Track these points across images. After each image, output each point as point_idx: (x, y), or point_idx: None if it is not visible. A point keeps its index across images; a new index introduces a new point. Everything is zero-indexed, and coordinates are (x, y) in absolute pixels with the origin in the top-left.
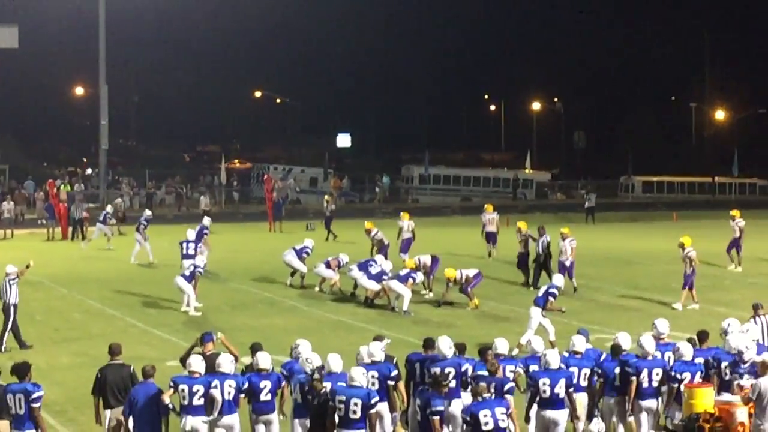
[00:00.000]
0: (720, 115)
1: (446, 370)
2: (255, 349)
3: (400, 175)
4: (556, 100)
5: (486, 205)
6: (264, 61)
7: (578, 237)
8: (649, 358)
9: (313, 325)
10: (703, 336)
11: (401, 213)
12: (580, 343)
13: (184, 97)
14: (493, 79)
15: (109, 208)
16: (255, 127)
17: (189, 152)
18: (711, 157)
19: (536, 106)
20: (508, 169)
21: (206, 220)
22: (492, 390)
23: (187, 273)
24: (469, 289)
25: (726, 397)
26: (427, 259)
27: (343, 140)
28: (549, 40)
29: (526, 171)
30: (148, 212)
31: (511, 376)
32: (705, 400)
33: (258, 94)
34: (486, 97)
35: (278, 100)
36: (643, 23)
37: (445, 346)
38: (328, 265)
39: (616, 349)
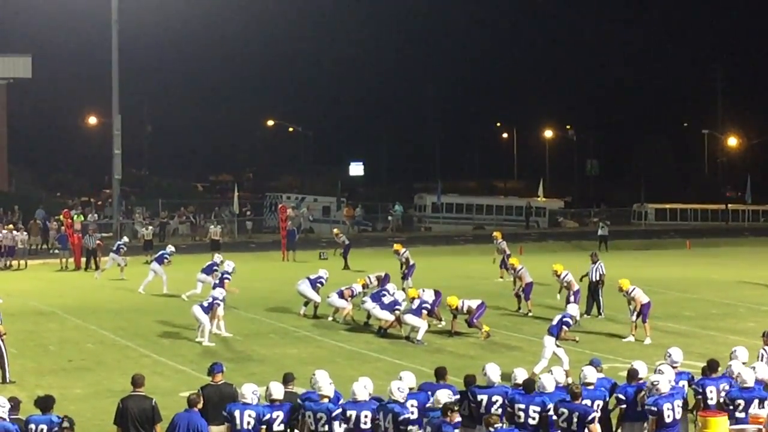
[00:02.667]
0: (733, 141)
1: (493, 398)
2: (286, 379)
3: (413, 203)
4: (568, 127)
5: (495, 233)
6: (276, 90)
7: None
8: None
9: (326, 355)
10: (713, 365)
11: (395, 245)
12: (591, 375)
13: (197, 127)
14: (506, 106)
15: (124, 239)
16: (268, 156)
17: (202, 182)
18: (724, 184)
19: (549, 133)
20: (521, 197)
21: (217, 258)
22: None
23: (206, 304)
24: (474, 321)
25: (741, 426)
26: (430, 294)
27: (356, 169)
28: (561, 68)
29: (539, 199)
30: (171, 247)
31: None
32: (720, 429)
33: (270, 123)
34: (498, 125)
35: (291, 129)
36: (655, 50)
37: (494, 373)
38: (341, 295)
39: (632, 374)
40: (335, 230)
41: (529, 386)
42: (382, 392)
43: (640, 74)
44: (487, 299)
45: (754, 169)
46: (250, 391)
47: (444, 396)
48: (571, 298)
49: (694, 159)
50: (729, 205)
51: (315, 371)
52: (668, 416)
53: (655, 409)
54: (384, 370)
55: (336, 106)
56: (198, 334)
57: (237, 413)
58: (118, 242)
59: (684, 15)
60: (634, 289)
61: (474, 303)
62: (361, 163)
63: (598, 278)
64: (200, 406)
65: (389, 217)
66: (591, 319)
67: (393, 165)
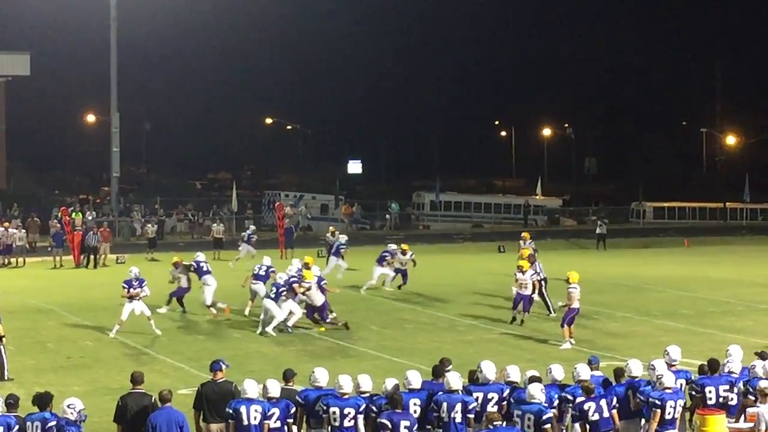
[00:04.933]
0: (731, 140)
1: (489, 396)
2: (286, 376)
3: (411, 201)
4: (566, 125)
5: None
6: (275, 88)
7: (590, 263)
8: (668, 387)
9: (324, 353)
10: (714, 364)
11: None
12: (584, 372)
13: (196, 125)
14: (504, 105)
15: (252, 228)
16: (266, 154)
17: (200, 179)
18: (722, 182)
19: (547, 132)
20: (519, 195)
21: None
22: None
23: (272, 294)
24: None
25: (739, 424)
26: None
27: (354, 167)
28: (560, 66)
29: (537, 197)
30: (253, 227)
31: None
32: (718, 427)
33: (269, 121)
34: (497, 123)
35: (289, 127)
36: (654, 49)
37: (489, 370)
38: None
39: (617, 373)
40: (330, 228)
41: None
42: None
43: (639, 73)
44: (482, 297)
45: (753, 168)
46: (253, 387)
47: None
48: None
49: (693, 157)
50: (727, 204)
51: (315, 369)
52: (669, 413)
53: (659, 403)
54: (383, 368)
55: (335, 104)
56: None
57: (243, 409)
58: (248, 232)
59: (683, 14)
60: (575, 287)
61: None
62: (360, 161)
63: (539, 279)
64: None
65: (387, 216)
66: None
67: (391, 163)
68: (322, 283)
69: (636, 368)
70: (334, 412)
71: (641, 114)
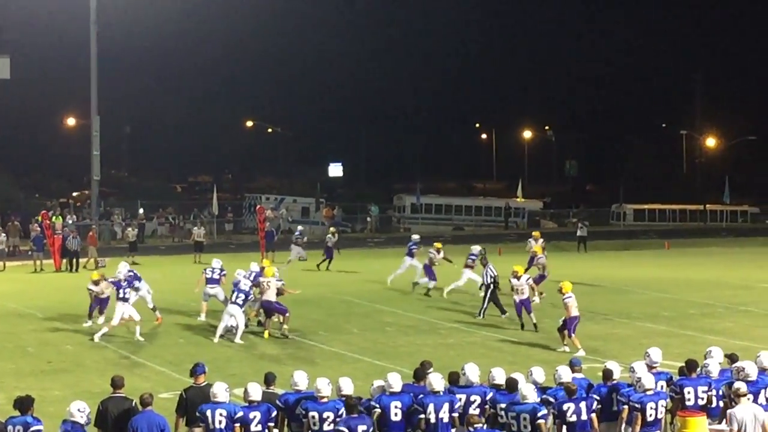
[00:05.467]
0: (711, 142)
1: (471, 398)
2: (268, 379)
3: (392, 204)
4: (547, 128)
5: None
6: (256, 91)
7: (570, 266)
8: (648, 389)
9: (305, 356)
10: (692, 365)
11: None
12: (565, 374)
13: (176, 128)
14: (485, 107)
15: (300, 228)
16: (247, 157)
17: (181, 183)
18: (702, 184)
19: (528, 134)
20: (500, 197)
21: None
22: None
23: (240, 300)
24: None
25: (721, 426)
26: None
27: (335, 170)
28: (541, 69)
29: (518, 199)
30: (416, 236)
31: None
32: (698, 429)
33: (250, 124)
34: (477, 125)
35: (270, 130)
36: (634, 51)
37: (473, 373)
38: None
39: (607, 374)
40: (331, 229)
41: (512, 386)
42: (362, 392)
43: (619, 75)
44: (463, 300)
45: (732, 170)
46: (222, 390)
47: None
48: (561, 320)
49: (673, 160)
50: (707, 206)
51: (294, 372)
52: (650, 415)
53: (639, 405)
54: (364, 371)
55: (316, 108)
56: (217, 335)
57: (209, 412)
58: (296, 234)
59: (663, 17)
60: (570, 296)
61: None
62: (341, 164)
63: (491, 281)
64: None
65: (367, 218)
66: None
67: (372, 166)
68: (281, 284)
69: (615, 370)
70: (313, 417)
71: (621, 116)
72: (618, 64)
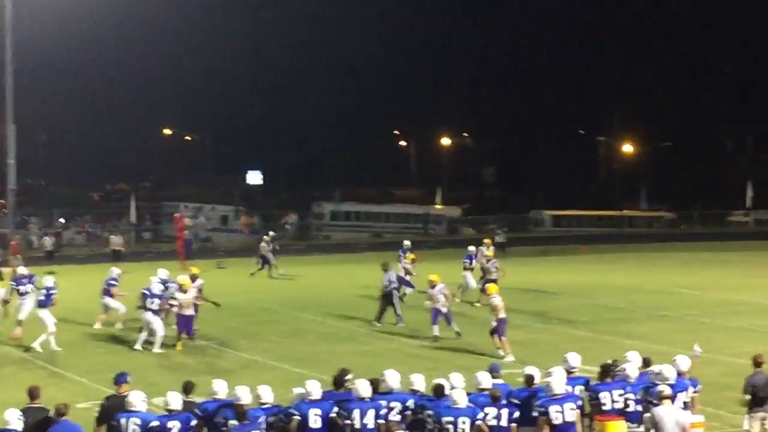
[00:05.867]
0: (628, 149)
1: (391, 404)
2: (186, 388)
3: (311, 211)
4: (466, 135)
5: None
6: (174, 99)
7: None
8: (559, 393)
9: (225, 365)
10: (607, 369)
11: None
12: (485, 380)
13: (93, 136)
14: (404, 115)
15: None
16: (165, 165)
17: (98, 191)
18: (619, 190)
19: (446, 141)
20: (419, 204)
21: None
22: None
23: (155, 306)
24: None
25: (641, 429)
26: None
27: (254, 177)
28: (458, 76)
29: (437, 206)
30: (116, 270)
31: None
32: None
33: (168, 132)
34: (396, 132)
35: (188, 138)
36: (551, 58)
37: (393, 379)
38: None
39: (528, 380)
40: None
41: (439, 392)
42: (281, 400)
43: (537, 82)
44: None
45: (649, 176)
46: (138, 399)
47: None
48: (493, 323)
49: (590, 166)
50: (624, 211)
51: (214, 380)
52: (556, 418)
53: (543, 410)
54: (284, 378)
55: (234, 115)
56: (138, 343)
57: (123, 421)
58: (266, 238)
59: (579, 24)
60: (496, 297)
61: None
62: (260, 171)
63: (391, 287)
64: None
65: (286, 226)
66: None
67: (291, 173)
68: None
69: (535, 375)
70: (233, 425)
71: (540, 123)
72: (536, 72)
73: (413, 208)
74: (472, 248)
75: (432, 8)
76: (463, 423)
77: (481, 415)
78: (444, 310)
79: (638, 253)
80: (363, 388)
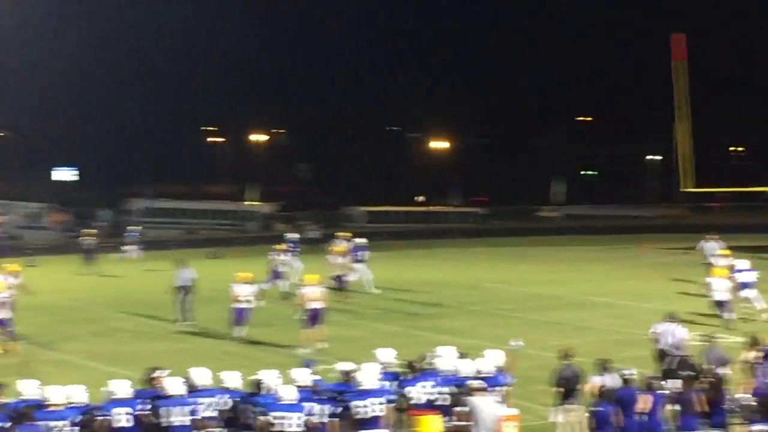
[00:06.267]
0: (438, 144)
1: (204, 401)
2: None
3: (124, 208)
4: (280, 131)
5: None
6: None
7: (307, 268)
8: (368, 388)
9: (36, 364)
10: (414, 365)
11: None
12: (302, 377)
13: None
14: (217, 110)
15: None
16: None
17: None
18: (432, 186)
19: (260, 137)
20: (233, 200)
21: None
22: None
23: None
24: None
25: (453, 422)
26: None
27: (66, 174)
28: (271, 70)
29: (251, 202)
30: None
31: None
32: (430, 427)
33: None
34: (210, 128)
35: None
36: (361, 55)
37: (201, 377)
38: None
39: (344, 375)
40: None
41: (259, 388)
42: (94, 399)
43: (348, 78)
44: (198, 304)
45: (459, 172)
46: None
47: None
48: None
49: (402, 162)
50: (435, 207)
51: (19, 380)
52: (363, 414)
53: (345, 404)
54: (96, 377)
55: (45, 110)
56: None
57: None
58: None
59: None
60: (309, 287)
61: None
62: (73, 168)
63: (188, 283)
64: None
65: (100, 223)
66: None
67: (106, 170)
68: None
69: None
70: (46, 425)
71: (352, 119)
72: (349, 68)
73: (227, 205)
74: (294, 235)
75: (243, 2)
76: (299, 418)
77: (315, 410)
78: (249, 307)
79: (450, 248)
80: (173, 385)
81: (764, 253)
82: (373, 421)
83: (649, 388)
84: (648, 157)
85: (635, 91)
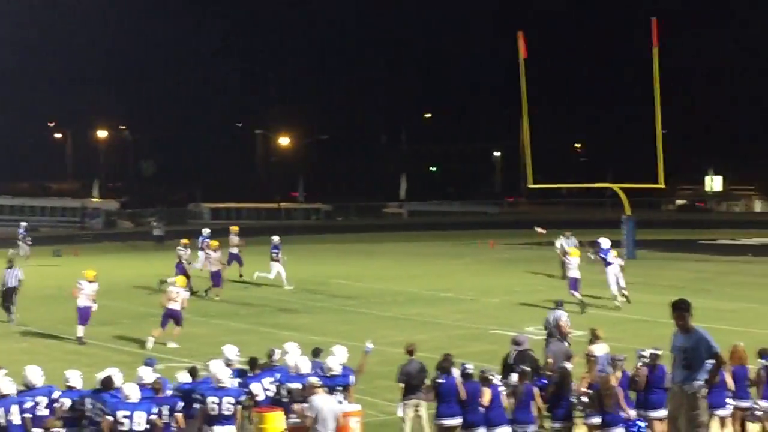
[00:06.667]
0: (284, 141)
1: (37, 399)
2: None
3: None
4: (123, 127)
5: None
6: None
7: (148, 265)
8: (222, 385)
9: None
10: (253, 362)
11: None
12: (147, 375)
13: None
14: (59, 106)
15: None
16: None
17: None
18: (277, 183)
19: (103, 134)
20: (76, 198)
21: None
22: None
23: None
24: None
25: (293, 419)
26: None
27: None
28: (116, 67)
29: (94, 200)
30: None
31: None
32: (274, 424)
33: None
34: (51, 124)
35: None
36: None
37: (34, 376)
38: None
39: (191, 372)
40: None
41: (109, 385)
42: None
43: (194, 74)
44: (41, 303)
45: (306, 169)
46: None
47: None
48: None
49: (249, 159)
50: (282, 204)
51: None
52: (213, 410)
53: (200, 397)
54: None
55: None
56: None
57: None
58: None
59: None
60: (174, 289)
61: None
62: None
63: (15, 284)
64: None
65: None
66: (138, 320)
67: None
68: None
69: (183, 377)
70: None
71: (198, 116)
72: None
73: (69, 202)
74: (275, 238)
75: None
76: (139, 417)
77: (155, 410)
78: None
79: (296, 245)
80: (4, 385)
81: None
82: (223, 419)
83: (486, 382)
84: (495, 153)
85: (482, 89)
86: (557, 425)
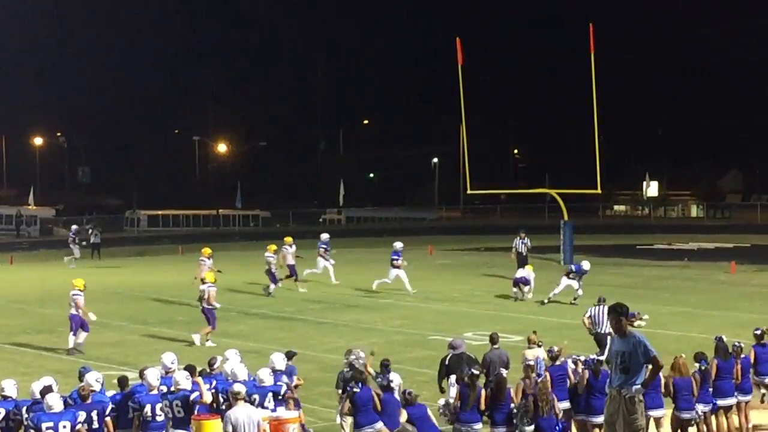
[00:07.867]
0: (223, 148)
1: None
2: None
3: None
4: (59, 134)
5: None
6: None
7: (85, 273)
8: (154, 391)
9: None
10: (191, 369)
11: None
12: (93, 381)
13: None
14: None
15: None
16: None
17: None
18: (215, 189)
19: (39, 140)
20: (11, 205)
21: None
22: None
23: None
24: None
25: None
26: None
27: None
28: (52, 71)
29: (30, 207)
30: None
31: None
32: (213, 430)
33: None
34: None
35: None
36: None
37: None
38: None
39: (122, 382)
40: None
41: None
42: None
43: (132, 80)
44: None
45: (244, 176)
46: None
47: None
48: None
49: (187, 165)
50: (220, 211)
51: None
52: (149, 416)
53: (137, 405)
54: None
55: None
56: None
57: None
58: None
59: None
60: (79, 293)
61: None
62: None
63: None
64: None
65: None
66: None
67: None
68: None
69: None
70: None
71: (135, 122)
72: (131, 69)
73: (5, 209)
74: (325, 235)
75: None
76: (64, 427)
77: (81, 418)
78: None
79: (233, 252)
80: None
81: (554, 253)
82: (158, 426)
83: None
84: (435, 159)
85: (421, 95)
86: (499, 431)
